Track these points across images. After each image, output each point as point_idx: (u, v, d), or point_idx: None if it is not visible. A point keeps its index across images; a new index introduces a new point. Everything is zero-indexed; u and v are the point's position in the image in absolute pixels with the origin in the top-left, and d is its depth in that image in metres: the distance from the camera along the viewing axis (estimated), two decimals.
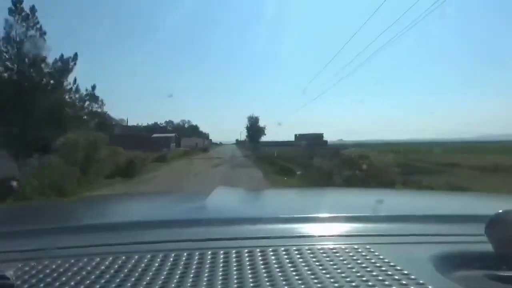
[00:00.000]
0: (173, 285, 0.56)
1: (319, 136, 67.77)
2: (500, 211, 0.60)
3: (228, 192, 1.93)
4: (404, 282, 0.55)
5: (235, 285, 0.56)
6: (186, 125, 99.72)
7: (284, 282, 0.56)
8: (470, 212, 1.09)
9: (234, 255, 0.67)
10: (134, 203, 1.68)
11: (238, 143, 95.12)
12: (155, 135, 48.18)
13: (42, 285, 0.58)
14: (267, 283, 0.56)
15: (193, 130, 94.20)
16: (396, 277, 0.57)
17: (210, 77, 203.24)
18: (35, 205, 2.08)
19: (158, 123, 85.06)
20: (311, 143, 52.17)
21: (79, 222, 1.12)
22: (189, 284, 0.57)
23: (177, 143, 52.51)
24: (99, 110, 47.82)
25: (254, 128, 58.38)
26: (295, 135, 74.13)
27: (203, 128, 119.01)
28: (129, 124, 63.85)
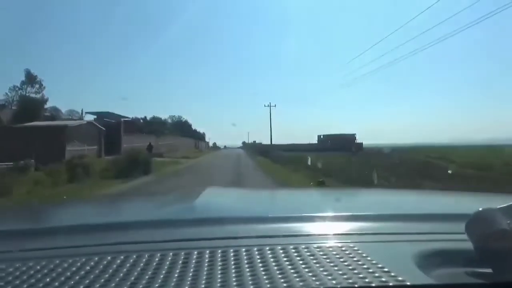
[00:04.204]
0: (172, 284, 0.58)
1: (351, 137, 58.04)
2: (480, 209, 0.63)
3: (220, 191, 2.07)
4: (384, 279, 0.57)
5: (219, 285, 0.57)
6: (174, 121, 79.17)
7: (267, 281, 0.57)
8: (452, 210, 1.12)
9: (207, 255, 0.69)
10: (130, 204, 1.72)
11: (246, 146, 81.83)
12: (31, 124, 25.04)
13: (41, 285, 0.59)
14: (250, 282, 0.57)
15: (179, 127, 71.93)
16: (377, 274, 0.59)
17: (220, 78, 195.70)
18: (31, 205, 2.03)
19: (135, 117, 59.54)
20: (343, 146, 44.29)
21: (74, 222, 1.13)
22: (188, 283, 0.58)
23: (113, 141, 28.62)
24: (36, 95, 34.66)
25: None
26: (319, 136, 62.87)
27: (199, 127, 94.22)
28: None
